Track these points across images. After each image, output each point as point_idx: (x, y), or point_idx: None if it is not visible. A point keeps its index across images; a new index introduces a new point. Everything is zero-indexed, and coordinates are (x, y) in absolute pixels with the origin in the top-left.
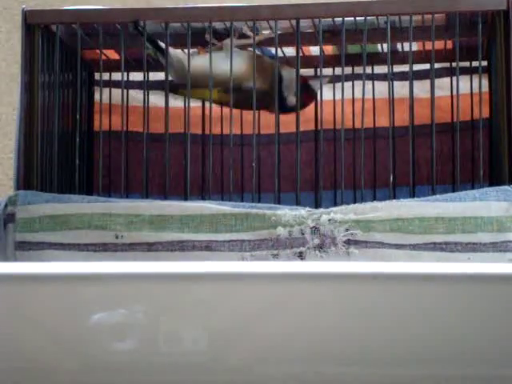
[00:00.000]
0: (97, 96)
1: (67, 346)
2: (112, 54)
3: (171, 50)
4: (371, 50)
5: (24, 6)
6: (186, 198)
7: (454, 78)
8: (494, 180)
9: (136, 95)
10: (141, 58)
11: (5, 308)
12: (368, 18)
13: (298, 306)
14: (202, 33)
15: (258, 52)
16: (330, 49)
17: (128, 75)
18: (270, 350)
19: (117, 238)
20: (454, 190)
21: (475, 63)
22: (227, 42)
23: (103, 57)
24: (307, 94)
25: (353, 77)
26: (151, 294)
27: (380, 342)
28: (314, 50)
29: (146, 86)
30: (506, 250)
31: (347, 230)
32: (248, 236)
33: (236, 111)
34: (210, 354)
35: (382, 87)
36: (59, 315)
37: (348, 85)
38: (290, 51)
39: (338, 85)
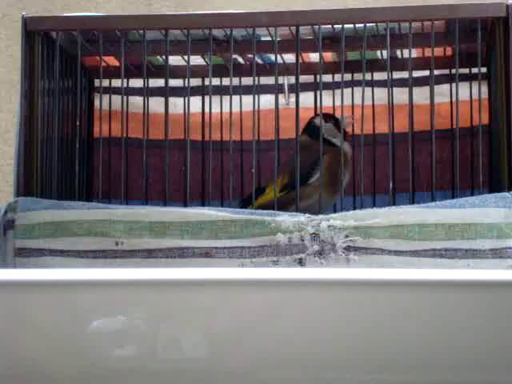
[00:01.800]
0: (96, 102)
1: (67, 352)
2: (112, 61)
3: None
4: (371, 57)
5: (24, 13)
6: (185, 205)
7: (454, 85)
8: (494, 187)
9: (136, 102)
10: (141, 65)
11: (4, 314)
12: (368, 24)
13: (298, 312)
14: (202, 40)
15: (258, 60)
16: (329, 55)
17: (128, 82)
18: (270, 356)
19: (117, 244)
20: (453, 197)
21: (475, 70)
22: None
23: (103, 63)
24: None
25: (352, 83)
26: (151, 300)
27: (380, 348)
28: (314, 57)
29: (146, 93)
30: (506, 256)
31: (347, 236)
32: (248, 242)
33: (236, 117)
34: (210, 360)
35: (381, 94)
36: (59, 322)
37: (347, 91)
38: (289, 58)
39: (338, 91)
